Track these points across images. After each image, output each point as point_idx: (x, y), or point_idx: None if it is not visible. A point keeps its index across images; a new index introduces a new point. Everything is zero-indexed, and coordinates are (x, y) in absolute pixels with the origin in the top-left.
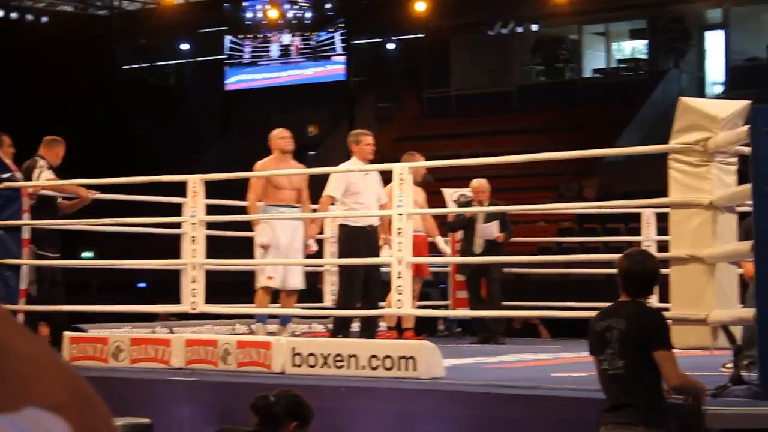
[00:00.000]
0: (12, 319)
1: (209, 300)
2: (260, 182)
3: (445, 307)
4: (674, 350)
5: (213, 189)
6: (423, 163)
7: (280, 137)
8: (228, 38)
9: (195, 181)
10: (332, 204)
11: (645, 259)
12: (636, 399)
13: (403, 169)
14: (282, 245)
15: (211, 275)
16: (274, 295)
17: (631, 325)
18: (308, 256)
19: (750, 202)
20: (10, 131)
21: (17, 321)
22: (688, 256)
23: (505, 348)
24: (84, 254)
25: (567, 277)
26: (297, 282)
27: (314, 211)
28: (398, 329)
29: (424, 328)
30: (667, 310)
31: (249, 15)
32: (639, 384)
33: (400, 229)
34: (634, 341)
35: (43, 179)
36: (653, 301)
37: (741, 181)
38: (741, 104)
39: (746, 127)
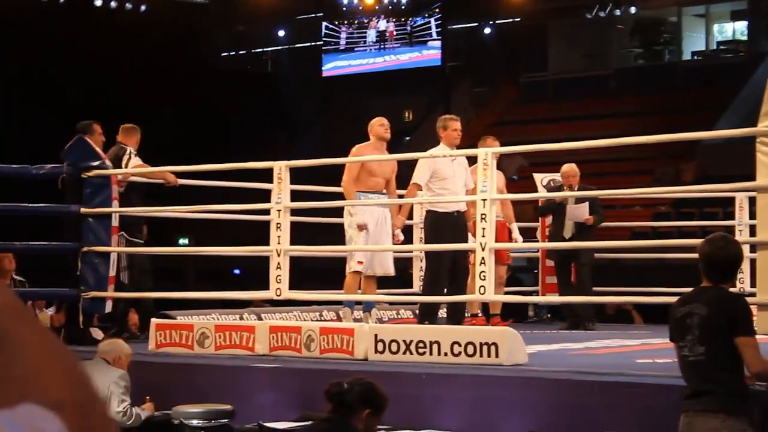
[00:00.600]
0: (24, 310)
1: (302, 286)
2: (357, 167)
3: (535, 293)
4: (757, 336)
5: (308, 175)
6: (506, 149)
7: (380, 124)
8: (324, 24)
9: (281, 168)
10: (420, 191)
11: (727, 244)
12: (717, 386)
13: (487, 155)
14: (370, 231)
15: (303, 261)
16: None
17: (712, 311)
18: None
19: None
20: (110, 119)
21: (30, 312)
22: None
23: (594, 334)
24: (181, 241)
25: (663, 262)
26: (386, 268)
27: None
28: (486, 315)
29: (514, 313)
30: (750, 295)
31: (345, 1)
32: (720, 371)
33: (483, 214)
34: (715, 327)
35: (131, 166)
36: (745, 286)
37: None
38: None
39: None
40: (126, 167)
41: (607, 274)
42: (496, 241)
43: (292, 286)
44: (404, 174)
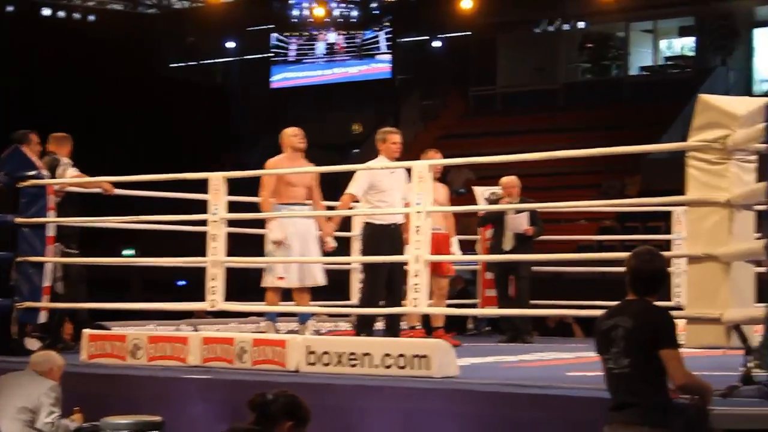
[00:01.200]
0: None
1: (240, 298)
2: (273, 180)
3: (474, 306)
4: (686, 350)
5: (252, 186)
6: (443, 161)
7: (293, 135)
8: (274, 36)
9: (217, 179)
10: (355, 202)
11: (653, 258)
12: (640, 398)
13: (422, 167)
14: (295, 245)
15: (240, 273)
16: (290, 293)
17: (637, 324)
18: (328, 254)
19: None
20: (55, 130)
21: None
22: (703, 255)
23: (531, 347)
24: (126, 252)
25: (606, 275)
26: (316, 278)
27: (333, 208)
28: (427, 328)
29: (455, 327)
30: (672, 308)
31: (295, 12)
32: (644, 383)
33: (418, 226)
34: (639, 340)
35: (68, 176)
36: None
37: (761, 179)
38: (761, 101)
39: (764, 124)
40: (62, 177)
41: (550, 288)
42: (440, 254)
43: (238, 297)
44: (345, 185)
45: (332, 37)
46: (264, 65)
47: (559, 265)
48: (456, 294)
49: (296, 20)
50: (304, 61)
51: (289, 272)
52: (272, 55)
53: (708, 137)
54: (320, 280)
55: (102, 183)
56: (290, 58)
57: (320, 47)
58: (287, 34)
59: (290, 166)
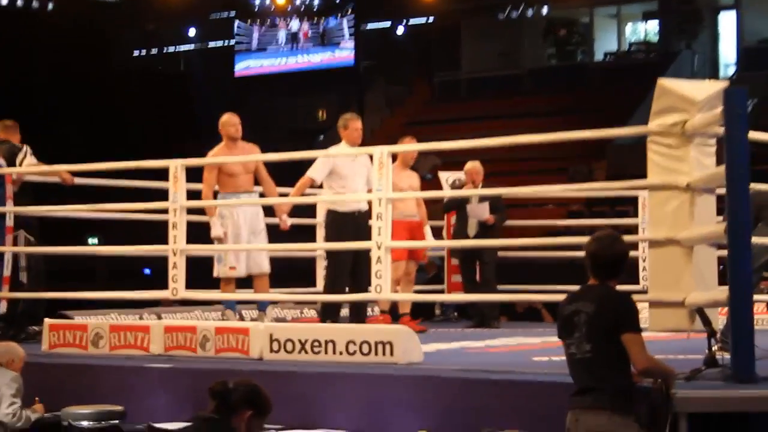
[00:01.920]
0: None
1: (206, 285)
2: (213, 174)
3: (441, 292)
4: (649, 334)
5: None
6: (403, 147)
7: (230, 124)
8: (236, 23)
9: (176, 167)
10: (316, 187)
11: (613, 242)
12: (603, 383)
13: (382, 153)
14: (244, 232)
15: (206, 261)
16: (249, 281)
17: (599, 309)
18: (291, 239)
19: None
20: (15, 119)
21: None
22: (665, 239)
23: (497, 332)
24: (90, 240)
25: (574, 260)
26: (261, 266)
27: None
28: (393, 314)
29: (422, 312)
30: (634, 292)
31: (258, 1)
32: (606, 368)
33: (379, 213)
34: (602, 325)
35: (26, 165)
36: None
37: (720, 163)
38: (719, 86)
39: (722, 108)
40: (20, 166)
41: (518, 273)
42: (414, 240)
43: (204, 285)
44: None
45: (295, 25)
46: (227, 53)
47: (527, 250)
48: (429, 279)
49: (258, 8)
50: (268, 49)
51: (239, 261)
52: (234, 42)
53: (667, 122)
54: (265, 267)
55: (61, 172)
56: (253, 47)
57: (282, 36)
58: (249, 21)
59: (230, 154)
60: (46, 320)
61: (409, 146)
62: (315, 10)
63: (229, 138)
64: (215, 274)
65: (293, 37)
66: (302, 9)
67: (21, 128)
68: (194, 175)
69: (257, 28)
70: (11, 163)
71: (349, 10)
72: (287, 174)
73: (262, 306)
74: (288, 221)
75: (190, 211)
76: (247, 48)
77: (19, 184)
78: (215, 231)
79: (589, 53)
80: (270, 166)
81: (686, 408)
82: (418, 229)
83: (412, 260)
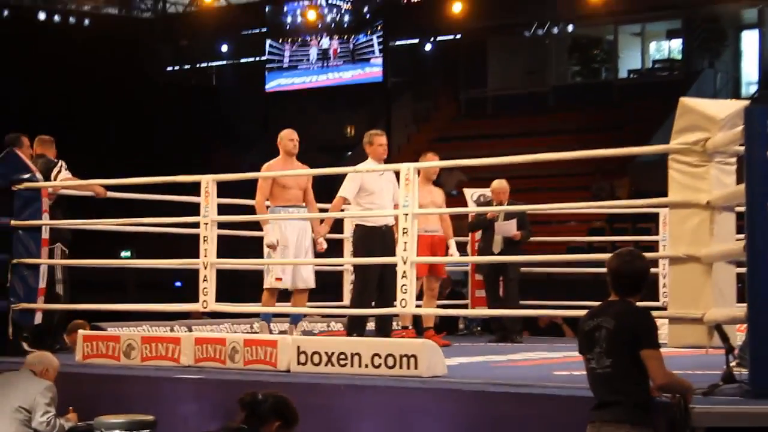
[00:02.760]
0: None
1: (235, 298)
2: (268, 183)
3: (465, 306)
4: (667, 350)
5: (246, 189)
6: (428, 164)
7: (289, 139)
8: (268, 42)
9: (208, 182)
10: (347, 204)
11: (633, 259)
12: (623, 397)
13: (409, 170)
14: (291, 245)
15: (235, 274)
16: (287, 294)
17: (619, 325)
18: (320, 255)
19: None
20: (51, 133)
21: None
22: (685, 256)
23: (520, 346)
24: (123, 254)
25: (596, 276)
26: (307, 281)
27: (325, 210)
28: (418, 328)
29: (446, 327)
30: (653, 308)
31: (289, 19)
32: (626, 382)
33: (405, 228)
34: (621, 340)
35: (60, 179)
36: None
37: (740, 181)
38: (740, 104)
39: (743, 127)
40: (55, 180)
41: (541, 289)
42: (435, 256)
43: (233, 298)
44: (337, 188)
45: (325, 42)
46: (257, 68)
47: (549, 266)
48: (445, 296)
49: (290, 27)
50: (299, 66)
51: (286, 273)
52: (266, 59)
53: (688, 140)
54: (311, 282)
55: (94, 186)
56: (284, 64)
57: (313, 53)
58: (281, 40)
59: (284, 168)
60: (80, 331)
61: (433, 162)
62: (345, 27)
63: (286, 152)
64: (264, 285)
65: (324, 54)
66: (332, 26)
67: (57, 141)
68: (226, 189)
69: (289, 46)
70: (47, 177)
71: (379, 27)
72: (316, 189)
73: (294, 319)
74: (324, 245)
75: (222, 225)
76: (279, 66)
77: (54, 198)
78: (269, 238)
79: (614, 71)
80: None
81: (704, 423)
82: (439, 244)
83: (433, 276)
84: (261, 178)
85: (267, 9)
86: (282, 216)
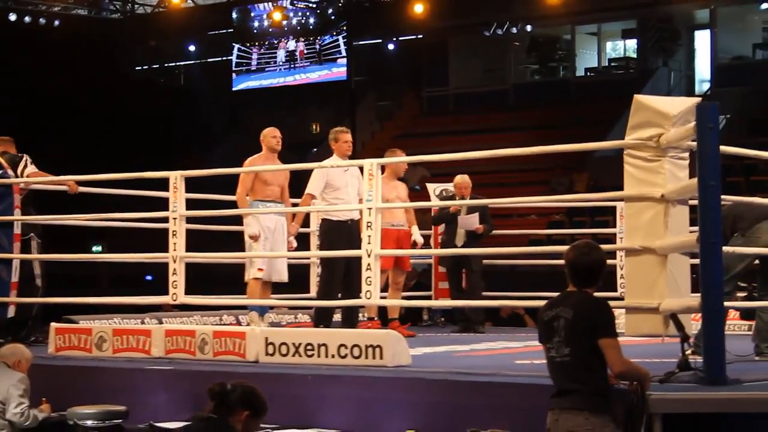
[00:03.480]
0: None
1: (205, 291)
2: (250, 177)
3: (428, 298)
4: (624, 338)
5: (217, 185)
6: (391, 159)
7: (272, 136)
8: (236, 46)
9: (176, 177)
10: (314, 200)
11: (590, 251)
12: (581, 385)
13: (372, 165)
14: (270, 237)
15: (205, 268)
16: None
17: (577, 314)
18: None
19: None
20: (20, 133)
21: None
22: (641, 248)
23: (482, 337)
24: (94, 248)
25: (555, 268)
26: (281, 274)
27: (295, 206)
28: (383, 319)
29: (410, 318)
30: (611, 299)
31: (256, 24)
32: (584, 371)
33: (369, 222)
34: (580, 330)
35: (26, 173)
36: None
37: (693, 175)
38: (692, 101)
39: (695, 123)
40: (22, 175)
41: (502, 280)
42: (401, 249)
43: (203, 290)
44: (303, 184)
45: (292, 44)
46: (225, 68)
47: (511, 259)
48: (411, 287)
49: (257, 30)
50: (266, 69)
51: (266, 265)
52: (232, 60)
53: (643, 135)
54: (284, 276)
55: (67, 181)
56: (252, 67)
57: (281, 55)
58: (249, 44)
59: (266, 164)
60: (53, 324)
61: (395, 159)
62: (311, 28)
63: (269, 149)
64: (246, 277)
65: (291, 56)
66: (298, 28)
67: (26, 140)
68: (193, 185)
69: (256, 50)
70: (15, 172)
71: (343, 27)
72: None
73: (262, 311)
74: (294, 243)
75: (191, 220)
76: (246, 69)
77: (25, 194)
78: (251, 229)
79: (571, 69)
80: None
81: (660, 409)
82: (405, 238)
83: (398, 269)
84: (243, 173)
85: (234, 14)
86: (243, 211)
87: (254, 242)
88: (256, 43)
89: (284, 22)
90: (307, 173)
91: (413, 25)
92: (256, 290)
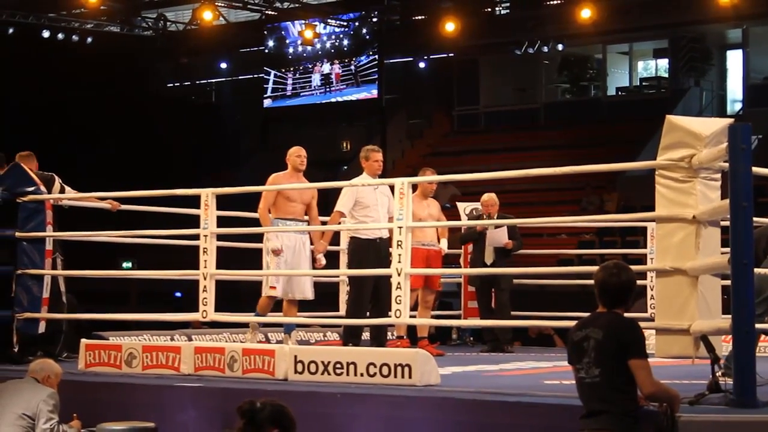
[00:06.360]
0: None
1: (234, 308)
2: (272, 194)
3: (458, 317)
4: (654, 359)
5: (244, 202)
6: (422, 179)
7: (297, 155)
8: (272, 72)
9: (207, 195)
10: (343, 218)
11: (620, 271)
12: (611, 406)
13: (403, 184)
14: (287, 255)
15: (234, 284)
16: (280, 303)
17: (607, 335)
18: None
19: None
20: (53, 149)
21: None
22: (672, 269)
23: (510, 356)
24: (125, 264)
25: (585, 288)
26: (305, 292)
27: (324, 224)
28: (412, 338)
29: (440, 337)
30: (642, 320)
31: (291, 50)
32: (614, 392)
33: (399, 241)
34: (610, 350)
35: (67, 192)
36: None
37: (725, 196)
38: (724, 122)
39: (727, 143)
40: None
41: (532, 300)
42: (428, 268)
43: (232, 307)
44: (334, 202)
45: (327, 67)
46: (255, 85)
47: (540, 278)
48: (434, 307)
49: (291, 56)
50: (302, 94)
51: (280, 282)
52: (269, 86)
53: (675, 156)
54: (308, 294)
55: (108, 200)
56: (288, 93)
57: (317, 79)
58: (284, 69)
59: (289, 182)
60: (83, 340)
61: (428, 177)
62: (345, 50)
63: (294, 168)
64: (263, 293)
65: (326, 79)
66: (332, 51)
67: (57, 157)
68: (224, 202)
69: (291, 75)
70: (49, 190)
71: (375, 46)
72: None
73: (288, 329)
74: (323, 261)
75: (221, 237)
76: (282, 95)
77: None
78: (272, 243)
79: (602, 88)
80: None
81: (690, 431)
82: (435, 257)
83: (428, 288)
84: (267, 189)
85: (270, 42)
86: (281, 228)
87: (275, 256)
88: (291, 68)
89: (318, 46)
90: (338, 191)
91: (444, 44)
92: (265, 307)
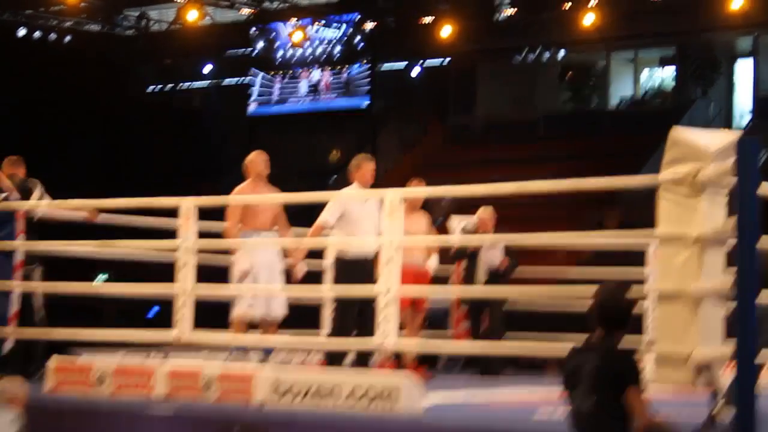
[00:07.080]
0: None
1: (215, 326)
2: (238, 209)
3: (448, 337)
4: (654, 386)
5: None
6: (418, 191)
7: (260, 161)
8: (260, 74)
9: (188, 206)
10: (327, 229)
11: (620, 293)
12: None
13: (393, 198)
14: (263, 275)
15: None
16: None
17: (602, 364)
18: (301, 282)
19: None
20: (30, 151)
21: None
22: (673, 292)
23: (501, 381)
24: (100, 276)
25: (582, 310)
26: (278, 311)
27: (303, 234)
28: (399, 360)
29: (428, 359)
30: (638, 345)
31: (279, 54)
32: (609, 421)
33: (389, 258)
34: (605, 380)
35: (45, 202)
36: None
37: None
38: (732, 136)
39: (734, 159)
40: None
41: (525, 321)
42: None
43: (213, 325)
44: (320, 212)
45: (317, 74)
46: (241, 90)
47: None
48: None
49: (280, 60)
50: (289, 100)
51: (257, 301)
52: (255, 88)
53: (679, 171)
54: (281, 312)
55: (86, 209)
56: (273, 99)
57: (304, 86)
58: (272, 72)
59: (255, 192)
60: (52, 359)
61: (420, 190)
62: (335, 59)
63: (257, 175)
64: (232, 314)
65: (314, 88)
66: (323, 57)
67: (34, 160)
68: (206, 213)
69: (279, 80)
70: (25, 198)
71: (368, 53)
72: (297, 214)
73: (266, 351)
74: (303, 269)
75: (202, 251)
76: (267, 101)
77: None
78: (242, 264)
79: (604, 99)
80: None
81: None
82: (423, 277)
83: (415, 309)
84: (231, 204)
85: (260, 43)
86: (259, 241)
87: (243, 277)
88: (280, 72)
89: (308, 51)
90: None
91: (440, 49)
92: (239, 329)
